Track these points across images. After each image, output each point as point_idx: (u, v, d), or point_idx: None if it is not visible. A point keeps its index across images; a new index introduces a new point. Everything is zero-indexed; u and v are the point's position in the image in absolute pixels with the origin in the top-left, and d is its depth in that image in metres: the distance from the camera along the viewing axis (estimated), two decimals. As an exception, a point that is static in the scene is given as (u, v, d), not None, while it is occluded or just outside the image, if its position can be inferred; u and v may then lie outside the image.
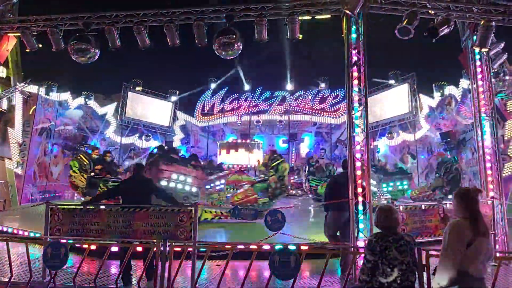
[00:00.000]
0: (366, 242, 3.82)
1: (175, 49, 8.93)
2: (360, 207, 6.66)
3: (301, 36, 8.41)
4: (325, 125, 24.67)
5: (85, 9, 8.82)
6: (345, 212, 6.74)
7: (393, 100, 20.75)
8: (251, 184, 12.92)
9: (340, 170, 9.39)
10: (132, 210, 6.27)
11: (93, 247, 5.72)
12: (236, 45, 8.44)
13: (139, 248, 5.92)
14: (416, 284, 3.70)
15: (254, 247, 5.89)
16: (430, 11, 7.79)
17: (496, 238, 7.63)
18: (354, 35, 7.15)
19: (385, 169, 16.36)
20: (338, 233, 7.02)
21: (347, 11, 7.04)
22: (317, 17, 8.30)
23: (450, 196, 14.73)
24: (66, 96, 19.82)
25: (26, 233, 9.17)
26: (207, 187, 13.76)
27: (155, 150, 14.11)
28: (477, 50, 8.30)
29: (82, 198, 13.04)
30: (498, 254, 6.99)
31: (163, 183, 11.56)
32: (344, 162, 7.45)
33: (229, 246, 5.99)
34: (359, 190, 6.68)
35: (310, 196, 16.60)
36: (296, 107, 24.40)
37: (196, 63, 23.19)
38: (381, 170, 16.04)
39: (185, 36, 8.76)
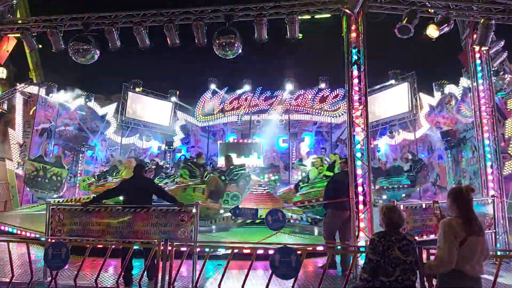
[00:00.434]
0: (369, 241, 3.81)
1: (175, 49, 8.94)
2: (361, 206, 6.66)
3: (301, 35, 8.41)
4: (325, 125, 24.64)
5: (84, 9, 8.83)
6: (345, 211, 6.74)
7: (393, 99, 20.72)
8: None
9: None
10: (133, 210, 6.28)
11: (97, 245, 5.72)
12: (235, 44, 8.44)
13: (139, 247, 5.93)
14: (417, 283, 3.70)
15: (254, 246, 5.90)
16: (429, 10, 7.79)
17: (497, 237, 7.64)
18: (353, 34, 7.15)
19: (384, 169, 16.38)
20: (337, 233, 7.01)
21: (347, 10, 7.04)
22: (317, 16, 8.31)
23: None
24: (66, 96, 19.84)
25: (27, 234, 9.17)
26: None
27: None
28: (477, 48, 8.31)
29: None
30: (499, 253, 7.00)
31: None
32: (347, 161, 7.41)
33: (230, 246, 6.00)
34: (360, 189, 6.68)
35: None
36: (296, 107, 24.39)
37: (196, 63, 23.21)
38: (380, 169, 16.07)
39: (185, 36, 8.77)
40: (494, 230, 7.62)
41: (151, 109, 24.03)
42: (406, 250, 3.54)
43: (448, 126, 16.99)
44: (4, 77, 17.18)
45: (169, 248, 5.10)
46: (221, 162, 21.48)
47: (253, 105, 24.66)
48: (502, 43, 8.71)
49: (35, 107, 17.80)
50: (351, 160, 6.83)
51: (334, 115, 23.98)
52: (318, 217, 9.47)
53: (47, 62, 19.88)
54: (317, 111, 24.13)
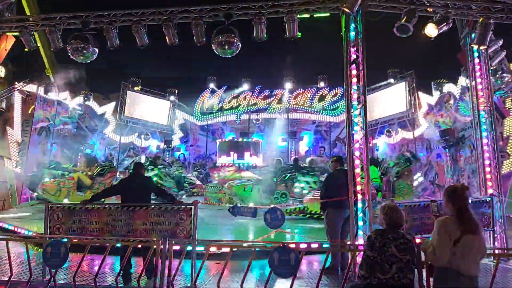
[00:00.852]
0: (366, 238, 3.84)
1: (173, 48, 8.93)
2: (360, 205, 6.67)
3: (299, 34, 8.41)
4: (324, 123, 24.67)
5: (83, 8, 8.81)
6: (344, 210, 6.74)
7: (392, 98, 20.75)
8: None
9: None
10: (131, 208, 6.28)
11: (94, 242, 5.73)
12: (234, 43, 8.44)
13: (139, 246, 5.93)
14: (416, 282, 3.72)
15: (253, 245, 5.91)
16: (428, 9, 7.79)
17: (495, 235, 7.66)
18: (352, 33, 7.15)
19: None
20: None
21: (346, 9, 7.04)
22: (316, 15, 8.30)
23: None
24: (64, 95, 19.82)
25: (25, 232, 9.17)
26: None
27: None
28: (475, 47, 8.31)
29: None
30: (497, 251, 7.02)
31: None
32: (338, 159, 7.41)
33: (229, 244, 6.01)
34: (358, 188, 6.69)
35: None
36: (295, 105, 24.40)
37: (194, 62, 23.18)
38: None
39: (184, 34, 8.76)
40: (492, 229, 7.64)
41: (149, 108, 24.02)
42: (403, 248, 3.56)
43: (447, 125, 17.02)
44: (3, 75, 17.14)
45: (168, 246, 5.11)
46: (220, 161, 21.58)
47: (252, 104, 24.67)
48: (501, 42, 8.72)
49: (33, 106, 17.78)
50: (349, 158, 6.84)
51: (333, 114, 24.00)
52: None
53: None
54: (316, 110, 24.16)
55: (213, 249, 6.54)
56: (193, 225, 6.11)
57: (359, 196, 6.68)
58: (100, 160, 17.70)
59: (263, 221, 7.47)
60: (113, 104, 22.53)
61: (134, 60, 21.92)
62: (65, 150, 19.47)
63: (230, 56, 8.70)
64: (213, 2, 8.46)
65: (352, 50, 7.09)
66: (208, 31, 8.58)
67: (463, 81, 15.72)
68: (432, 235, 3.51)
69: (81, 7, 8.82)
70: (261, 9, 8.21)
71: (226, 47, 8.46)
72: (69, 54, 8.75)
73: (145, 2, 8.87)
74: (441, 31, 7.75)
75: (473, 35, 8.18)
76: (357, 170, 6.78)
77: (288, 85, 24.35)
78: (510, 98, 14.09)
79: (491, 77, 8.76)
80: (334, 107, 23.98)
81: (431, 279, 3.67)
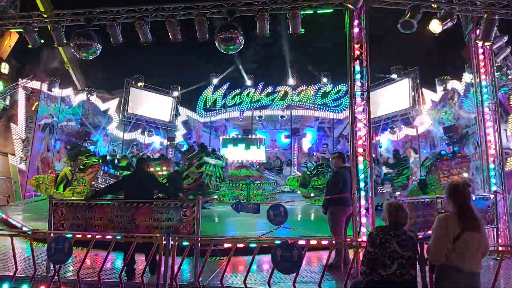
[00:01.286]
0: (368, 234, 3.84)
1: (176, 44, 8.93)
2: (363, 202, 6.67)
3: (303, 30, 8.38)
4: (327, 120, 24.63)
5: (86, 4, 8.81)
6: (348, 207, 6.73)
7: (395, 95, 20.68)
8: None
9: None
10: (135, 205, 6.30)
11: (98, 236, 5.75)
12: (238, 40, 8.42)
13: (142, 243, 5.95)
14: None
15: (256, 241, 5.92)
16: (432, 5, 7.75)
17: (499, 232, 7.64)
18: (356, 29, 7.12)
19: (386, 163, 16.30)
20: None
21: (349, 5, 7.01)
22: (319, 11, 8.28)
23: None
24: (68, 92, 19.89)
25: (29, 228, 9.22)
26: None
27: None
28: (480, 44, 8.26)
29: None
30: (500, 248, 7.00)
31: None
32: (340, 155, 7.39)
33: (232, 241, 6.03)
34: (362, 184, 6.68)
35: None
36: (298, 102, 24.36)
37: (198, 58, 23.15)
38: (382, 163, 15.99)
39: (187, 31, 8.75)
40: (496, 226, 7.62)
41: (153, 104, 24.06)
42: (405, 245, 3.56)
43: (451, 122, 16.96)
44: (7, 72, 17.18)
45: (172, 242, 5.12)
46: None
47: (255, 101, 24.65)
48: (506, 38, 8.67)
49: (37, 102, 17.85)
50: (353, 155, 6.83)
51: (336, 111, 23.95)
52: None
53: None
54: (319, 106, 24.12)
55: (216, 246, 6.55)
56: (196, 221, 6.12)
57: (362, 193, 6.67)
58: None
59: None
60: (116, 100, 22.58)
61: (138, 57, 21.91)
62: (69, 146, 19.54)
63: (233, 52, 8.68)
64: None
65: (356, 46, 7.06)
66: (211, 27, 8.57)
67: (467, 77, 15.65)
68: (432, 231, 3.51)
69: (86, 4, 8.83)
70: (264, 5, 8.19)
71: (229, 43, 8.44)
72: (72, 50, 8.77)
73: (148, -1, 8.87)
74: (445, 27, 7.71)
75: (477, 31, 8.12)
76: (360, 167, 6.77)
77: (291, 82, 24.31)
78: (515, 95, 14.01)
79: (495, 74, 8.70)
80: (337, 103, 23.93)
81: (434, 276, 3.68)
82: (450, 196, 3.55)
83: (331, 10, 8.11)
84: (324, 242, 6.49)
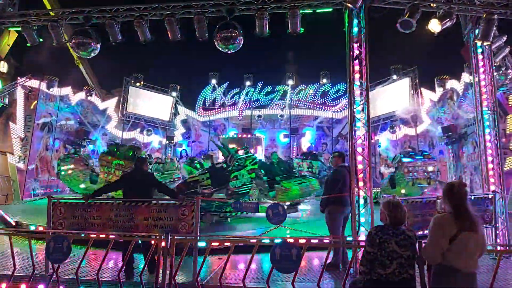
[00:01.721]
0: (367, 234, 3.84)
1: (176, 43, 8.92)
2: (362, 201, 6.67)
3: (302, 30, 8.37)
4: (326, 120, 24.64)
5: (85, 3, 8.80)
6: (346, 207, 6.73)
7: (394, 94, 20.69)
8: None
9: None
10: (134, 204, 6.29)
11: (96, 235, 5.75)
12: (237, 39, 8.42)
13: (140, 242, 5.95)
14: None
15: (255, 241, 5.91)
16: (432, 4, 7.75)
17: (497, 232, 7.65)
18: (355, 29, 7.12)
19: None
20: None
21: (349, 5, 7.01)
22: (319, 10, 8.26)
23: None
24: (67, 90, 19.86)
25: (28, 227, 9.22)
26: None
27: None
28: (479, 43, 8.26)
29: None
30: (499, 248, 7.02)
31: None
32: (340, 155, 7.39)
33: (231, 240, 6.03)
34: (360, 184, 6.69)
35: None
36: (297, 101, 24.37)
37: (197, 57, 23.15)
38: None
39: (186, 29, 8.74)
40: (494, 225, 7.64)
41: (152, 103, 24.05)
42: (404, 244, 3.56)
43: (449, 122, 16.98)
44: (5, 71, 17.14)
45: (170, 242, 5.12)
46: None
47: (254, 100, 24.65)
48: (505, 38, 8.68)
49: (36, 101, 17.81)
50: (352, 155, 6.83)
51: (335, 110, 23.96)
52: None
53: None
54: (318, 106, 24.12)
55: (215, 244, 6.55)
56: (195, 220, 6.12)
57: (361, 193, 6.67)
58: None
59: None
60: (115, 99, 22.55)
61: (137, 56, 21.91)
62: (67, 145, 19.53)
63: (232, 51, 8.67)
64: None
65: (355, 46, 7.06)
66: (211, 26, 8.56)
67: (466, 77, 15.66)
68: (428, 231, 3.51)
69: (86, 2, 8.81)
70: (263, 4, 8.18)
71: (228, 42, 8.44)
72: (72, 49, 8.76)
73: (147, -3, 8.86)
74: (444, 26, 7.72)
75: (476, 31, 8.12)
76: (360, 166, 6.77)
77: (291, 81, 24.31)
78: (514, 95, 14.03)
79: (494, 73, 8.70)
80: (336, 103, 23.94)
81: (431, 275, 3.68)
82: (446, 196, 3.55)
83: (331, 10, 8.11)
84: (324, 242, 6.50)
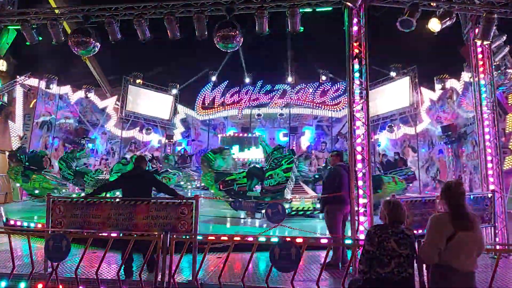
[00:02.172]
0: (366, 233, 3.84)
1: (175, 42, 8.91)
2: (361, 200, 6.67)
3: (301, 28, 8.37)
4: (326, 119, 24.62)
5: (85, 1, 8.79)
6: (345, 205, 6.73)
7: (394, 93, 20.68)
8: None
9: None
10: (133, 203, 6.29)
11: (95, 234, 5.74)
12: (236, 37, 8.40)
13: (139, 241, 5.94)
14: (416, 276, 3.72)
15: (254, 239, 5.92)
16: (431, 3, 7.75)
17: (496, 231, 7.67)
18: (355, 28, 7.11)
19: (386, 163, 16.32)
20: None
21: (349, 3, 7.00)
22: (318, 9, 8.25)
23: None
24: (66, 89, 19.83)
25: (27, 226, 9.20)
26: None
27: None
28: (479, 42, 8.26)
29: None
30: (498, 247, 7.03)
31: None
32: (338, 154, 7.38)
33: (230, 239, 6.02)
34: (360, 183, 6.69)
35: None
36: (297, 100, 24.36)
37: (196, 56, 23.10)
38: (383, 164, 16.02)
39: (186, 28, 8.73)
40: (494, 225, 7.64)
41: (151, 102, 23.99)
42: (403, 243, 3.56)
43: (449, 121, 16.97)
44: (4, 69, 17.11)
45: (170, 240, 5.12)
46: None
47: (253, 99, 24.63)
48: (504, 37, 8.70)
49: (35, 100, 17.79)
50: (351, 154, 6.83)
51: (335, 109, 23.95)
52: None
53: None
54: (318, 105, 24.11)
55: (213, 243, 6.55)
56: (194, 219, 6.11)
57: (361, 192, 6.67)
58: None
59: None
60: (114, 98, 22.52)
61: (136, 54, 21.84)
62: (66, 144, 19.52)
63: (232, 50, 8.66)
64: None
65: (355, 44, 7.05)
66: (210, 25, 8.55)
67: (466, 76, 15.66)
68: (425, 231, 3.52)
69: (85, 1, 8.80)
70: (263, 3, 8.17)
71: (228, 41, 8.42)
72: (71, 47, 8.74)
73: (147, -4, 8.83)
74: (444, 26, 7.72)
75: (476, 30, 8.12)
76: (359, 165, 6.77)
77: (290, 80, 24.29)
78: (513, 94, 14.02)
79: (494, 73, 8.71)
80: (336, 102, 23.92)
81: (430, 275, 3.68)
82: (444, 195, 3.55)
83: (330, 8, 8.10)
84: (323, 241, 6.50)
